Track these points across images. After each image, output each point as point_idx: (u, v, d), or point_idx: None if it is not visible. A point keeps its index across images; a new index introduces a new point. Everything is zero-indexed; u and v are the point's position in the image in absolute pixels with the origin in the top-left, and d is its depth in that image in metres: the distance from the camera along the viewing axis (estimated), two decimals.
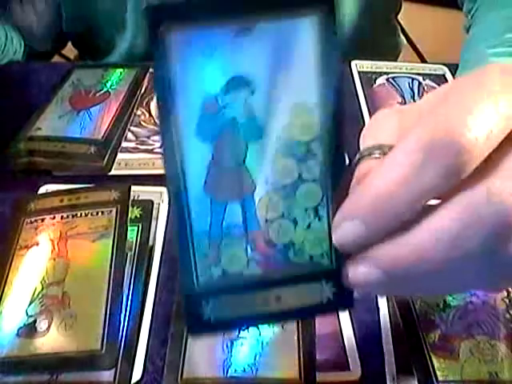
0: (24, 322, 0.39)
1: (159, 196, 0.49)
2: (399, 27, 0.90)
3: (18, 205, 0.47)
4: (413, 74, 0.64)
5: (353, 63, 0.66)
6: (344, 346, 0.39)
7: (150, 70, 0.64)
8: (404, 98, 0.60)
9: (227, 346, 0.38)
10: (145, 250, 0.44)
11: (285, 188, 0.25)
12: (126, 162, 0.53)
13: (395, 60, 0.86)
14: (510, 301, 0.41)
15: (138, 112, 0.59)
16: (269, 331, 0.39)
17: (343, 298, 0.27)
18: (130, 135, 0.56)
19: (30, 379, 0.37)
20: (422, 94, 0.61)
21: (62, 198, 0.47)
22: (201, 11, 0.22)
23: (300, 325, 0.39)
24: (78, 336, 0.38)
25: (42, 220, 0.46)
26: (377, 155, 0.24)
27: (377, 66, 0.65)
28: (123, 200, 0.46)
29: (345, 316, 0.40)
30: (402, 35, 0.92)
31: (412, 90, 0.62)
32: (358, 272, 0.24)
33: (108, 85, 0.62)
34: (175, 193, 0.24)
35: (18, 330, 0.39)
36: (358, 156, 0.25)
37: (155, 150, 0.54)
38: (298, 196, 0.25)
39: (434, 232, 0.22)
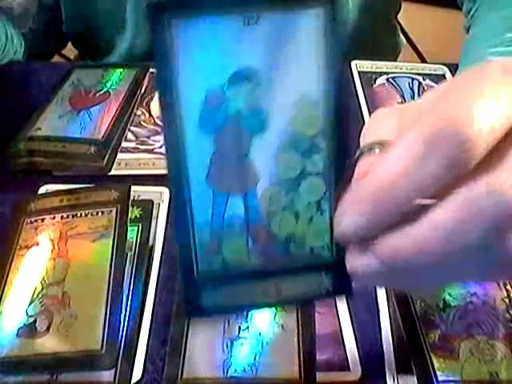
0: (24, 322, 0.39)
1: (159, 196, 0.49)
2: (399, 27, 0.90)
3: (18, 205, 0.47)
4: (413, 73, 0.64)
5: (353, 63, 0.66)
6: (344, 346, 0.39)
7: (150, 69, 0.64)
8: (404, 98, 0.60)
9: (227, 346, 0.38)
10: (145, 250, 0.44)
11: (288, 181, 0.25)
12: (126, 162, 0.53)
13: (395, 60, 0.86)
14: (510, 301, 0.41)
15: (138, 112, 0.59)
16: (269, 331, 0.39)
17: (342, 286, 0.27)
18: (130, 135, 0.56)
19: (30, 379, 0.37)
20: (422, 94, 0.61)
21: (62, 198, 0.47)
22: (204, 3, 0.22)
23: (300, 325, 0.39)
24: (77, 336, 0.38)
25: (42, 220, 0.46)
26: (377, 151, 0.24)
27: (377, 66, 0.66)
28: (123, 200, 0.46)
29: (345, 316, 0.40)
30: (401, 35, 0.92)
31: (412, 89, 0.62)
32: (358, 262, 0.24)
33: (108, 85, 0.62)
34: (177, 184, 0.24)
35: (18, 330, 0.39)
36: (358, 152, 0.25)
37: (155, 150, 0.54)
38: (301, 189, 0.25)
39: (433, 224, 0.22)
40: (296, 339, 0.38)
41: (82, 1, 0.72)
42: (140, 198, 0.48)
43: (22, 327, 0.39)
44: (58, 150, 0.53)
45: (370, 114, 0.59)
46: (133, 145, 0.55)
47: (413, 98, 0.60)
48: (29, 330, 0.38)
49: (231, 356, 0.38)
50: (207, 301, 0.26)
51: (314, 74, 0.23)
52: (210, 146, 0.24)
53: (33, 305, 0.40)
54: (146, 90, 0.62)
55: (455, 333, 0.39)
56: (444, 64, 0.66)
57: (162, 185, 0.50)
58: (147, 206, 0.47)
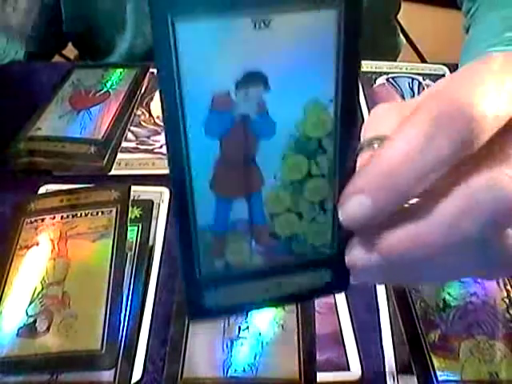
0: (24, 322, 0.39)
1: (159, 196, 0.49)
2: (399, 27, 0.90)
3: (18, 205, 0.47)
4: (413, 73, 0.64)
5: None
6: (344, 346, 0.39)
7: (150, 69, 0.64)
8: (404, 98, 0.60)
9: (227, 346, 0.38)
10: (145, 250, 0.44)
11: (293, 183, 0.24)
12: (126, 162, 0.53)
13: (395, 60, 0.86)
14: (510, 301, 0.41)
15: (138, 112, 0.59)
16: (269, 331, 0.39)
17: (340, 281, 0.27)
18: (130, 135, 0.56)
19: (30, 379, 0.37)
20: None
21: (62, 198, 0.47)
22: (212, 6, 0.20)
23: (300, 325, 0.39)
24: (78, 336, 0.38)
25: (42, 220, 0.46)
26: (376, 146, 0.24)
27: (377, 66, 0.65)
28: (123, 200, 0.46)
29: (345, 316, 0.40)
30: (401, 35, 0.92)
31: (412, 89, 0.62)
32: (358, 256, 0.24)
33: (108, 85, 0.62)
34: (179, 187, 0.23)
35: (18, 330, 0.39)
36: (358, 147, 0.25)
37: (155, 150, 0.54)
38: (305, 191, 0.25)
39: (432, 217, 0.22)
40: (296, 339, 0.38)
41: (82, 1, 0.72)
42: (140, 198, 0.48)
43: (22, 327, 0.39)
44: (58, 149, 0.53)
45: (369, 113, 0.59)
46: (133, 145, 0.55)
47: (413, 97, 0.60)
48: (29, 330, 0.38)
49: (231, 356, 0.38)
50: (210, 302, 0.26)
51: (327, 76, 0.23)
52: (214, 150, 0.23)
53: (33, 305, 0.40)
54: (146, 89, 0.62)
55: (455, 333, 0.39)
56: (444, 64, 0.66)
57: (161, 185, 0.50)
58: (147, 206, 0.47)
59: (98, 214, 0.45)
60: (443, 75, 0.64)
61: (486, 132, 0.21)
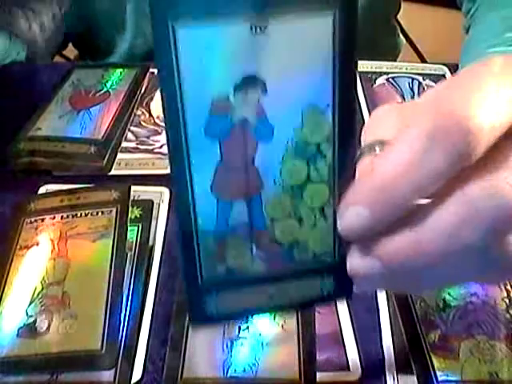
0: (24, 321, 0.39)
1: (159, 196, 0.49)
2: (399, 27, 0.90)
3: (18, 205, 0.47)
4: (413, 73, 0.64)
5: None
6: (344, 346, 0.39)
7: (150, 69, 0.64)
8: (404, 98, 0.60)
9: (227, 346, 0.38)
10: (145, 250, 0.44)
11: (293, 188, 0.25)
12: (126, 162, 0.53)
13: (395, 60, 0.86)
14: (510, 301, 0.41)
15: (138, 112, 0.59)
16: (269, 331, 0.39)
17: (343, 289, 0.27)
18: (130, 135, 0.56)
19: (30, 379, 0.37)
20: (422, 94, 0.61)
21: (62, 198, 0.47)
22: (212, 6, 0.21)
23: (300, 325, 0.39)
24: (78, 336, 0.38)
25: (42, 220, 0.46)
26: (377, 151, 0.24)
27: (377, 66, 0.65)
28: (123, 200, 0.46)
29: (345, 316, 0.40)
30: (401, 35, 0.92)
31: (412, 89, 0.62)
32: (359, 264, 0.24)
33: (108, 85, 0.62)
34: (180, 190, 0.24)
35: (18, 330, 0.39)
36: (358, 152, 0.25)
37: (155, 150, 0.54)
38: (305, 196, 0.25)
39: (433, 225, 0.22)
40: (296, 339, 0.38)
41: (82, 1, 0.72)
42: (140, 198, 0.48)
43: (22, 327, 0.39)
44: (58, 149, 0.53)
45: (370, 114, 0.59)
46: (133, 145, 0.55)
47: (413, 98, 0.60)
48: (29, 330, 0.38)
49: (231, 356, 0.38)
50: (211, 308, 0.26)
51: (324, 81, 0.23)
52: (215, 153, 0.23)
53: (33, 305, 0.40)
54: (146, 89, 0.62)
55: (455, 333, 0.39)
56: (444, 64, 0.66)
57: (161, 185, 0.50)
58: (147, 206, 0.47)
59: (97, 214, 0.45)
60: (443, 75, 0.64)
61: (483, 144, 0.21)
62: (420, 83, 0.63)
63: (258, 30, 0.21)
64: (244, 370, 0.37)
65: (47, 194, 0.49)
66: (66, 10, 0.70)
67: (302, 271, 0.26)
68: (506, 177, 0.22)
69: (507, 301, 0.41)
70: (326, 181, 0.25)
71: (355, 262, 0.25)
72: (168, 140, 0.23)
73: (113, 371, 0.37)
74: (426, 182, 0.22)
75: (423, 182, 0.22)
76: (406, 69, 0.65)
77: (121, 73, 0.63)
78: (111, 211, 0.45)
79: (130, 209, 0.45)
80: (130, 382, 0.37)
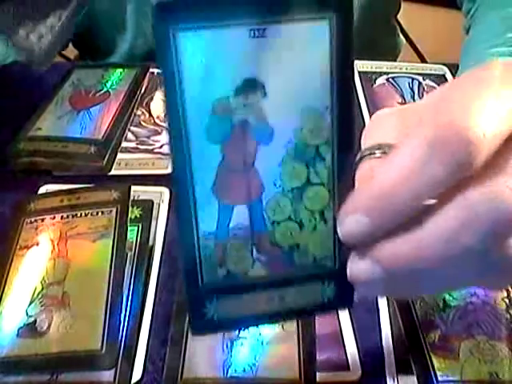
0: (24, 322, 0.39)
1: (159, 196, 0.49)
2: (399, 27, 0.90)
3: (18, 205, 0.47)
4: (413, 74, 0.64)
5: None
6: (344, 346, 0.39)
7: (150, 69, 0.64)
8: (404, 98, 0.60)
9: (227, 346, 0.38)
10: (145, 250, 0.44)
11: (293, 191, 0.25)
12: (126, 162, 0.53)
13: (395, 60, 0.86)
14: (510, 301, 0.41)
15: (138, 112, 0.59)
16: (269, 331, 0.39)
17: (344, 297, 0.27)
18: (130, 135, 0.56)
19: (30, 379, 0.37)
20: (422, 94, 0.61)
21: (62, 198, 0.47)
22: (212, 11, 0.21)
23: (300, 325, 0.39)
24: (77, 336, 0.38)
25: (42, 220, 0.46)
26: (377, 155, 0.24)
27: (377, 66, 0.65)
28: (123, 200, 0.46)
29: (345, 316, 0.40)
30: (401, 35, 0.92)
31: (412, 90, 0.62)
32: (359, 269, 0.24)
33: (108, 85, 0.62)
34: (181, 193, 0.24)
35: (18, 330, 0.39)
36: (358, 156, 0.25)
37: (155, 150, 0.54)
38: (305, 199, 0.25)
39: (432, 230, 0.22)
40: (296, 339, 0.38)
41: None
42: (140, 198, 0.48)
43: (22, 327, 0.39)
44: (58, 149, 0.53)
45: (369, 114, 0.59)
46: (133, 145, 0.55)
47: (413, 98, 0.60)
48: (29, 330, 0.38)
49: (231, 356, 0.38)
50: (212, 312, 0.26)
51: (323, 84, 0.23)
52: (216, 155, 0.24)
53: (33, 305, 0.40)
54: (146, 89, 0.62)
55: (455, 333, 0.39)
56: (444, 64, 0.66)
57: (161, 185, 0.50)
58: (147, 206, 0.47)
59: (97, 214, 0.45)
60: (443, 75, 0.64)
61: (484, 153, 0.21)
62: (420, 83, 0.63)
63: (258, 33, 0.22)
64: (244, 370, 0.37)
65: (47, 194, 0.49)
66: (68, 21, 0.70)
67: (303, 277, 0.26)
68: (506, 181, 0.22)
69: (507, 301, 0.41)
70: (325, 184, 0.25)
71: (356, 267, 0.25)
72: (170, 142, 0.23)
73: (113, 371, 0.37)
74: (426, 190, 0.22)
75: (423, 190, 0.22)
76: (406, 69, 0.65)
77: (121, 73, 0.63)
78: (111, 211, 0.45)
79: (130, 209, 0.45)
80: (129, 382, 0.37)
